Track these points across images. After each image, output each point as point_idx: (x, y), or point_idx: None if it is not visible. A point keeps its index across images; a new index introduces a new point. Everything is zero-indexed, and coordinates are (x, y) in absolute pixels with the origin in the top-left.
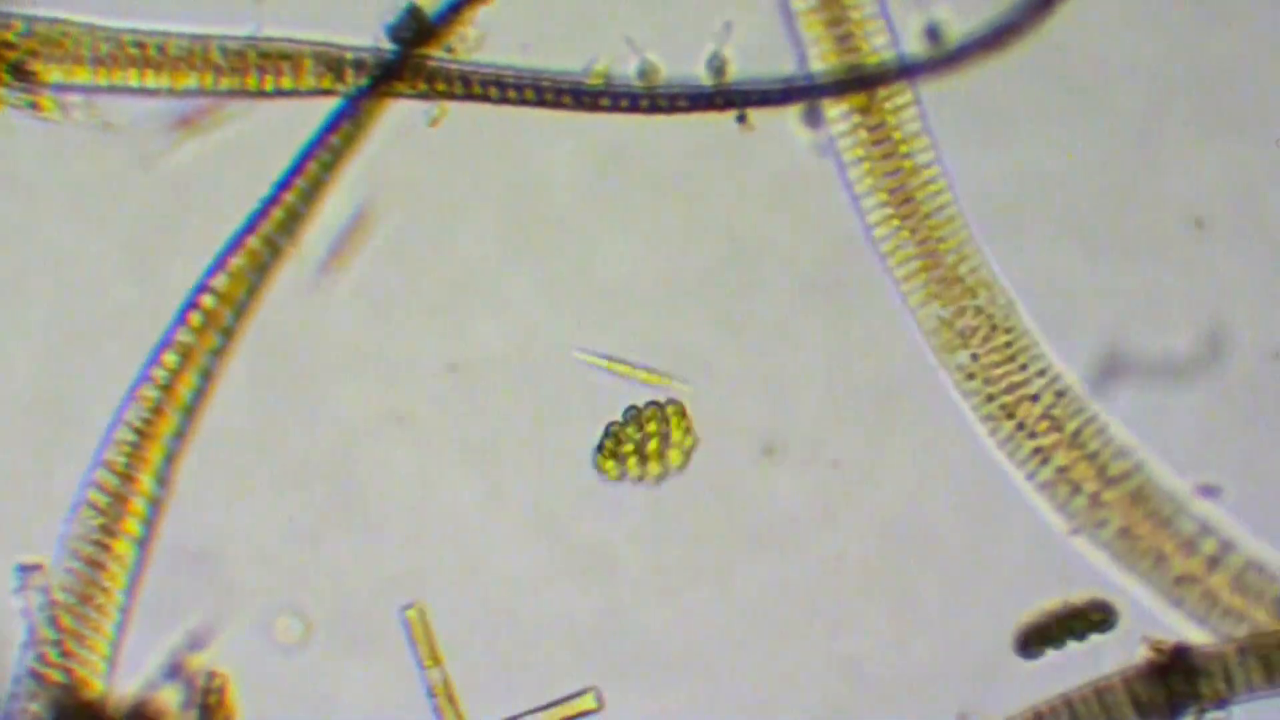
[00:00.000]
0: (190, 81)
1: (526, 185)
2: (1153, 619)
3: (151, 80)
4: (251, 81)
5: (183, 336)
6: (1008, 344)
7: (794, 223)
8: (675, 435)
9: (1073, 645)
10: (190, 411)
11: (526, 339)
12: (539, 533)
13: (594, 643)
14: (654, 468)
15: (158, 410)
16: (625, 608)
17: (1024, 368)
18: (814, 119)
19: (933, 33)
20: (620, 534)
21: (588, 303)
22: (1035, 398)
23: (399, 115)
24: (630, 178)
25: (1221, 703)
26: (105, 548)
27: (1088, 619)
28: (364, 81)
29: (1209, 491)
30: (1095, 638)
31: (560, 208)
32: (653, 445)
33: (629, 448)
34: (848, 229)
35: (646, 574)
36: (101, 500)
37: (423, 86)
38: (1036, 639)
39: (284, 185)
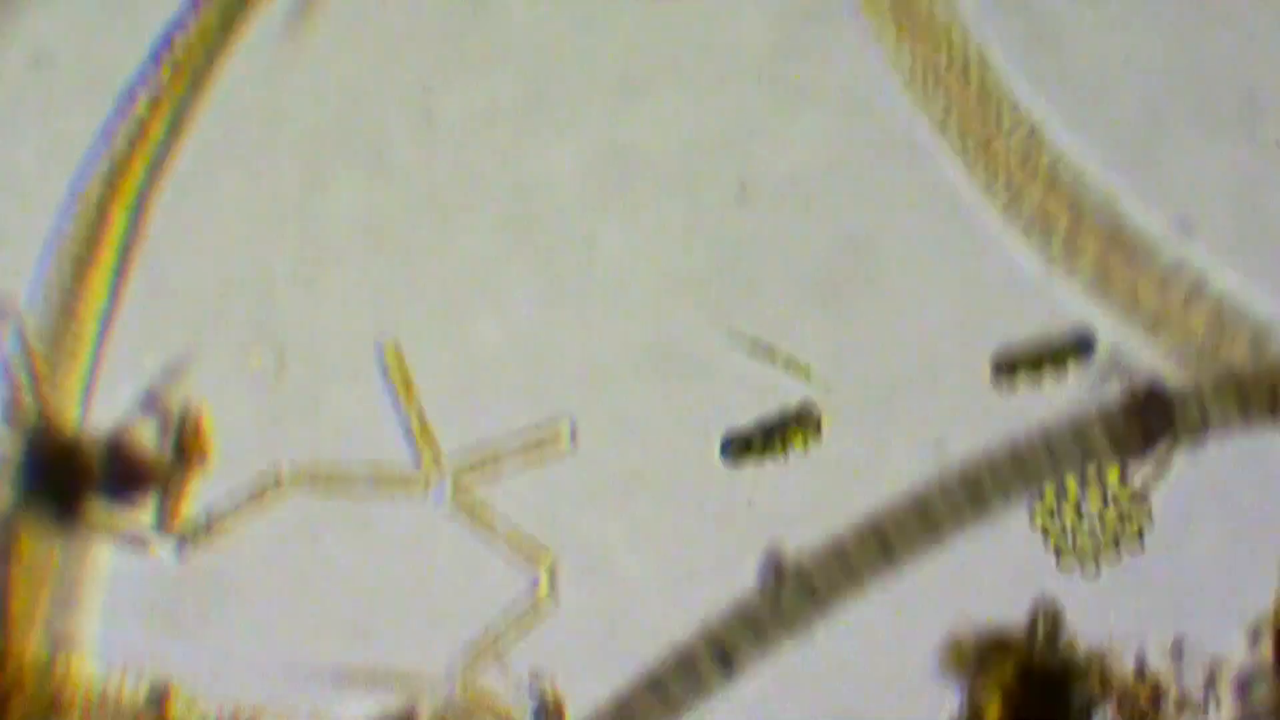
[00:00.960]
0: None
1: (526, 185)
2: (1129, 355)
3: None
4: None
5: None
6: (982, 84)
7: (794, 223)
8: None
9: (1051, 378)
10: (165, 148)
11: (527, 339)
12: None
13: None
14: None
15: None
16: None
17: (997, 108)
18: None
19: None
20: (618, 534)
21: (588, 303)
22: (1008, 136)
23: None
24: (630, 178)
25: (1197, 438)
26: (79, 280)
27: (1066, 348)
28: None
29: (1184, 226)
30: (1073, 366)
31: (560, 208)
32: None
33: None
34: (849, 229)
35: (645, 574)
36: (76, 232)
37: None
38: (1014, 366)
39: None
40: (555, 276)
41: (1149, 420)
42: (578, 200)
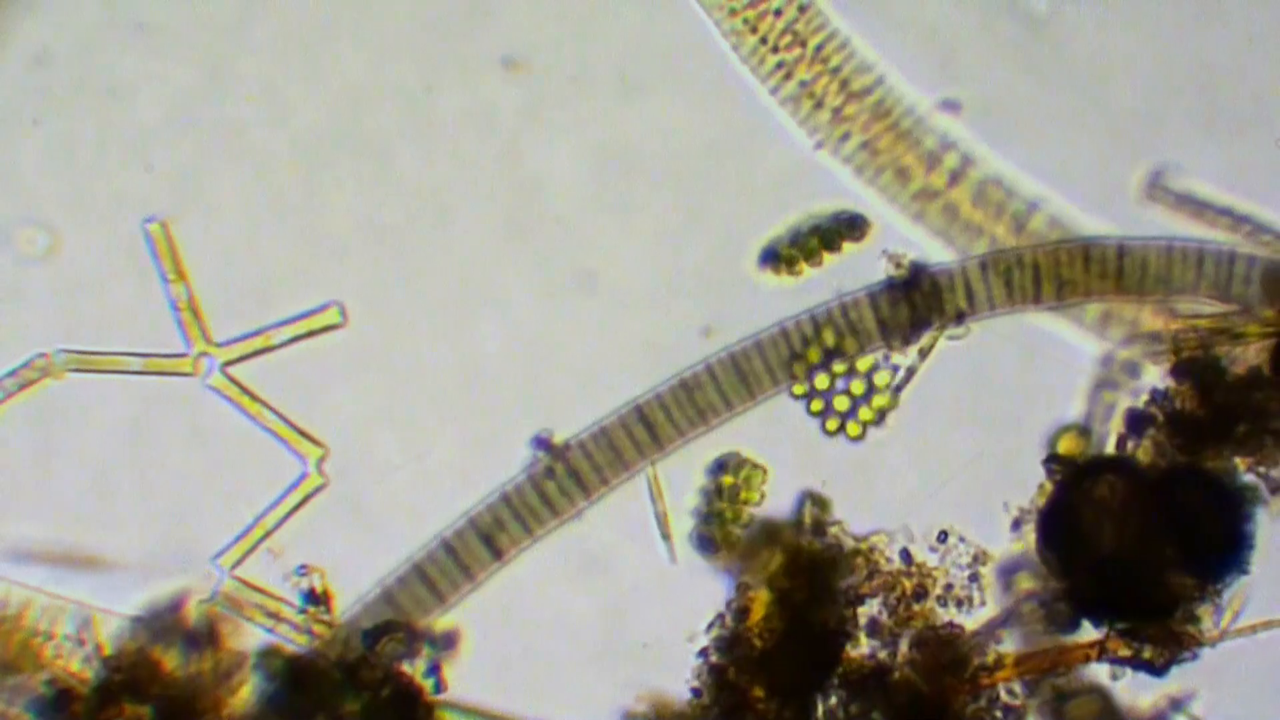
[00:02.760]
0: None
1: (526, 185)
2: (895, 234)
3: None
4: None
5: None
6: None
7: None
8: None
9: (820, 258)
10: None
11: (527, 339)
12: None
13: None
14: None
15: None
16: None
17: None
18: None
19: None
20: (618, 536)
21: (588, 303)
22: (778, 12)
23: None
24: (630, 178)
25: (960, 318)
26: None
27: (837, 227)
28: None
29: (950, 106)
30: (846, 246)
31: (560, 208)
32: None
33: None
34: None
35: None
36: None
37: None
38: (784, 250)
39: None
40: (555, 276)
41: (915, 301)
42: (577, 200)
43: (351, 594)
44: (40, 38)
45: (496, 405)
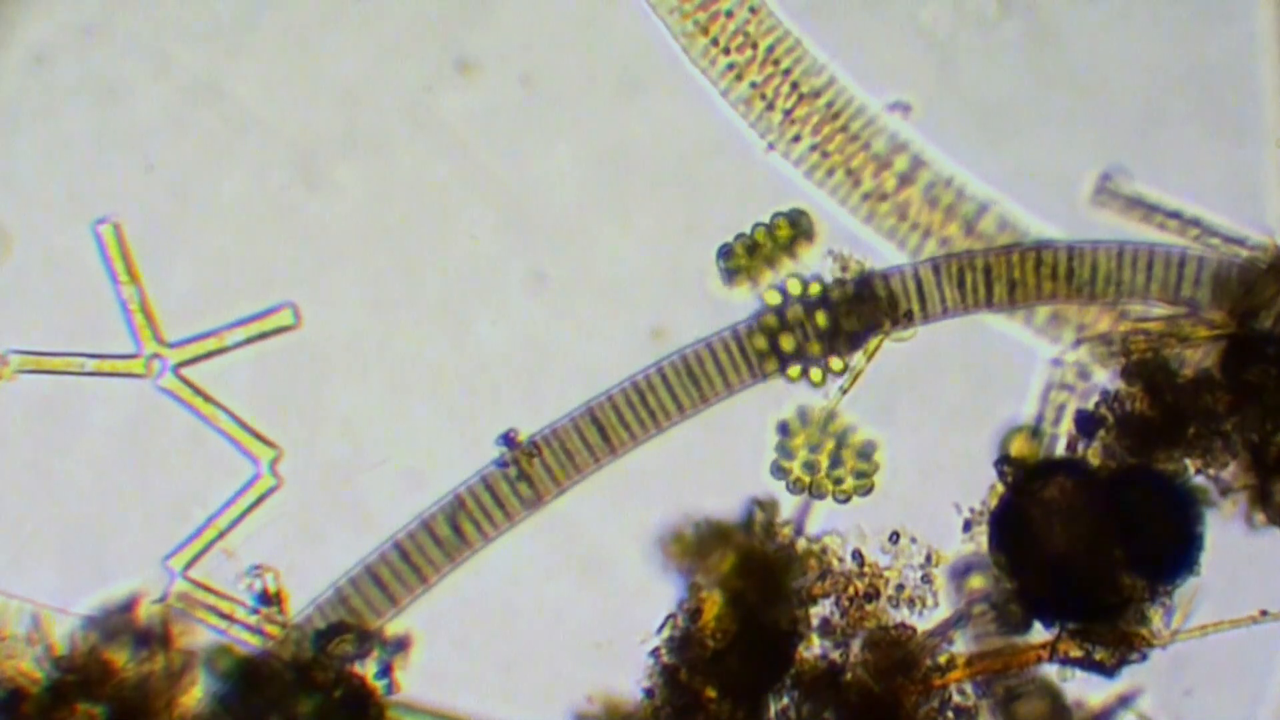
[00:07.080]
0: None
1: (526, 185)
2: (847, 235)
3: None
4: None
5: None
6: None
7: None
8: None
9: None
10: None
11: (526, 339)
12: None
13: None
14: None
15: None
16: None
17: None
18: None
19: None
20: (613, 534)
21: (588, 303)
22: (729, 13)
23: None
24: (630, 178)
25: (909, 318)
26: None
27: (784, 229)
28: None
29: (900, 108)
30: (798, 247)
31: (560, 208)
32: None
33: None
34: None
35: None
36: None
37: None
38: (740, 259)
39: None
40: (555, 276)
41: (866, 307)
42: (578, 200)
43: (305, 595)
44: (40, 38)
45: (492, 403)
